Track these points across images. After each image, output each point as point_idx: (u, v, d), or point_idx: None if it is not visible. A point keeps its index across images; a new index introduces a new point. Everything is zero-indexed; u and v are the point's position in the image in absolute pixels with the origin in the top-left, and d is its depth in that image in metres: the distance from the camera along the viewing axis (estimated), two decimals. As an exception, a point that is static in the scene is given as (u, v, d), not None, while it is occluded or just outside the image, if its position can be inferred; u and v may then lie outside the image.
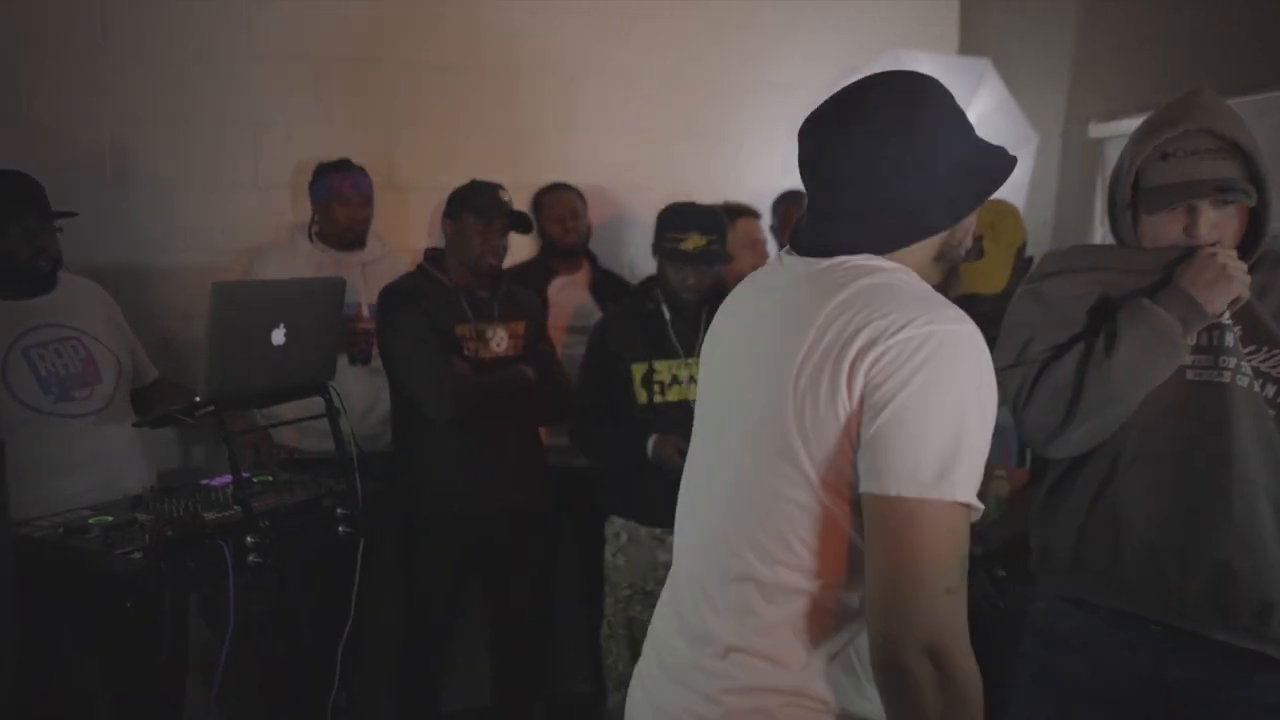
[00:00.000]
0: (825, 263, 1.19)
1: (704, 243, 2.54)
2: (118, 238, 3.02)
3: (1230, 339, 1.54)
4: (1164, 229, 1.57)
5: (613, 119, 3.52)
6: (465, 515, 2.72)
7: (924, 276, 1.20)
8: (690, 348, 2.60)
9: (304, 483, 2.36)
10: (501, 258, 2.76)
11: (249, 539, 2.05)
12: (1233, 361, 1.54)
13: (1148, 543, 1.56)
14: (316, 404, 2.29)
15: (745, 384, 1.22)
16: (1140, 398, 1.56)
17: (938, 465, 1.04)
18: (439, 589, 2.81)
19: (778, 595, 1.16)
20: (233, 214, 3.14)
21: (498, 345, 2.76)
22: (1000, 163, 1.22)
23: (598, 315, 3.13)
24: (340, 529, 2.27)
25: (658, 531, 2.59)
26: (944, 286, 2.27)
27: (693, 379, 2.59)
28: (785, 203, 3.43)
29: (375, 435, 2.90)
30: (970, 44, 3.89)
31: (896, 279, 1.15)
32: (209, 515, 2.07)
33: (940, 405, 1.06)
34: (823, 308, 1.13)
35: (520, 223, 2.79)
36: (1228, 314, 1.55)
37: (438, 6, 3.33)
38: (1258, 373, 1.53)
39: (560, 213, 3.31)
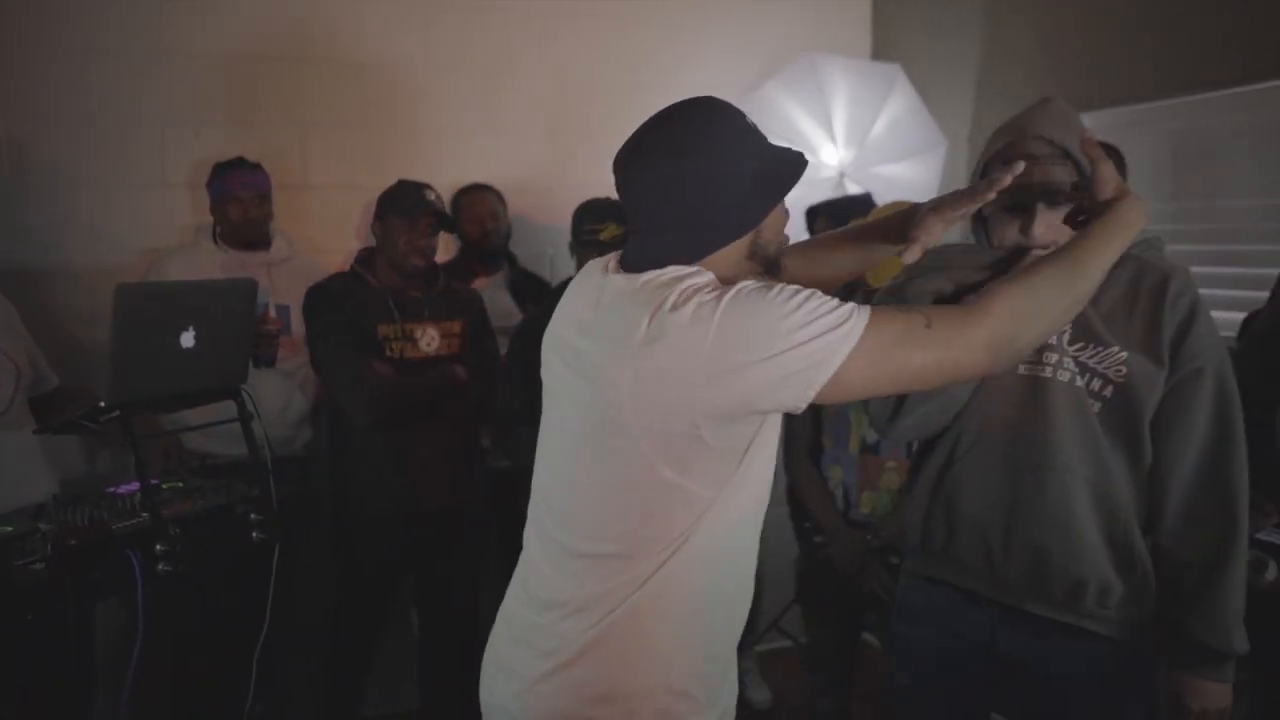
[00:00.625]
0: (640, 279, 1.34)
1: (620, 231, 2.57)
2: (15, 237, 2.91)
3: (1056, 337, 1.66)
4: (1005, 229, 1.69)
5: (530, 118, 3.52)
6: (395, 516, 2.69)
7: (740, 274, 1.35)
8: None
9: (216, 488, 2.30)
10: (429, 257, 2.74)
11: (158, 547, 1.99)
12: (1054, 358, 1.67)
13: (977, 524, 1.71)
14: (228, 408, 2.24)
15: (579, 392, 1.37)
16: (964, 392, 1.71)
17: (813, 353, 1.25)
18: (366, 591, 2.77)
19: (606, 565, 1.35)
20: (139, 214, 3.06)
21: (428, 345, 2.73)
22: (791, 167, 1.38)
23: (518, 316, 3.12)
24: (254, 535, 2.23)
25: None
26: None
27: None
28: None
29: (289, 438, 2.85)
30: (882, 48, 3.98)
31: (692, 284, 1.30)
32: (116, 524, 2.02)
33: (772, 335, 1.24)
34: (635, 333, 1.28)
35: (447, 222, 2.77)
36: None
37: (351, 4, 3.29)
38: (1084, 368, 1.66)
39: (479, 214, 3.30)
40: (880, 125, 3.42)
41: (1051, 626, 1.69)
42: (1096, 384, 1.65)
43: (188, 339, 2.07)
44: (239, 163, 2.92)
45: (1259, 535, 1.93)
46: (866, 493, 2.61)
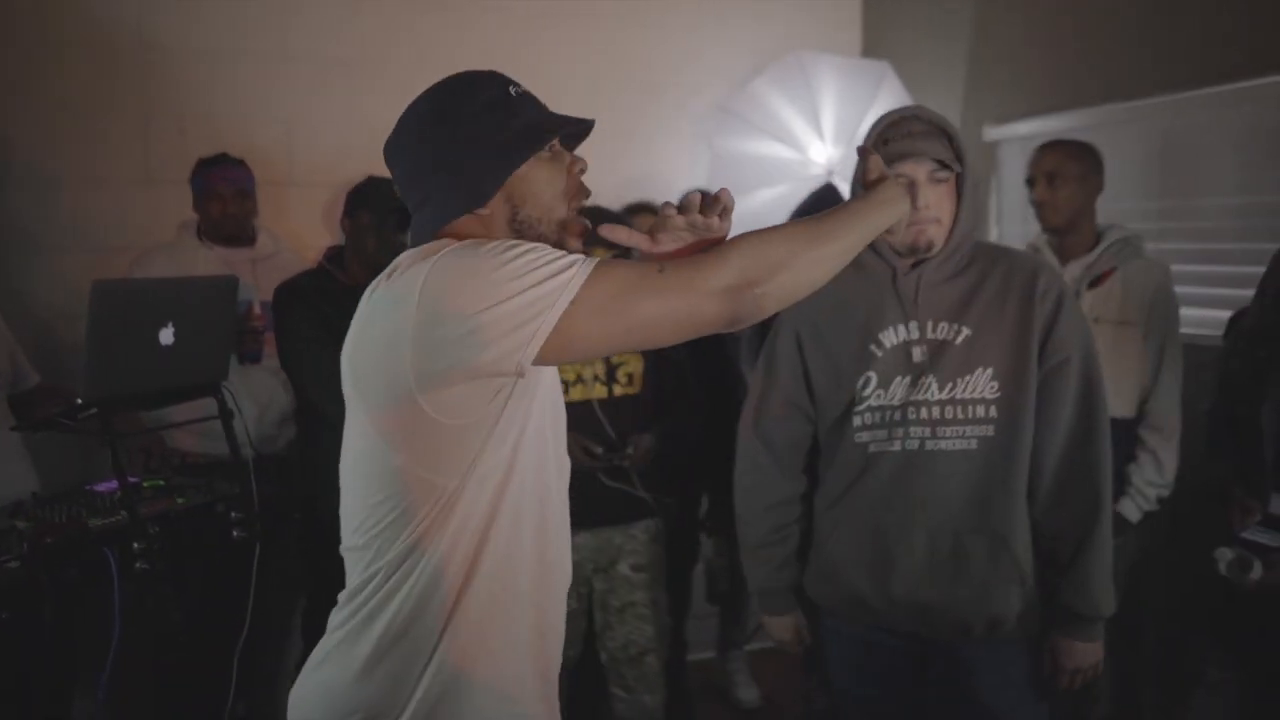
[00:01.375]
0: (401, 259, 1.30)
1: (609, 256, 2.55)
2: (-3, 234, 2.90)
3: (916, 408, 1.79)
4: None
5: (518, 116, 3.50)
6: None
7: (503, 230, 1.31)
8: None
9: (196, 487, 2.29)
10: (399, 254, 2.71)
11: (136, 545, 1.98)
12: (925, 431, 1.80)
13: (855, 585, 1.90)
14: (210, 406, 2.23)
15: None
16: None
17: (535, 302, 1.15)
18: (336, 592, 2.75)
19: (355, 557, 1.32)
20: (123, 210, 3.04)
21: None
22: (539, 132, 1.30)
23: None
24: (234, 533, 2.21)
25: (562, 530, 2.57)
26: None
27: (596, 378, 2.59)
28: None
29: (272, 436, 2.83)
30: (872, 47, 3.97)
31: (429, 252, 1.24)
32: (93, 521, 2.00)
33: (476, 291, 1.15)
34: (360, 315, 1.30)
35: (401, 217, 2.74)
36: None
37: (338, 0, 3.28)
38: (960, 406, 1.79)
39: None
40: (869, 123, 3.39)
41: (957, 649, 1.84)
42: (980, 410, 1.76)
43: (166, 336, 2.06)
44: (222, 158, 2.90)
45: (1244, 534, 1.92)
46: None
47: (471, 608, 1.24)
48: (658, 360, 2.63)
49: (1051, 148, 2.62)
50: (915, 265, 1.80)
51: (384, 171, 2.79)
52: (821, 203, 3.02)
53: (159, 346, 2.05)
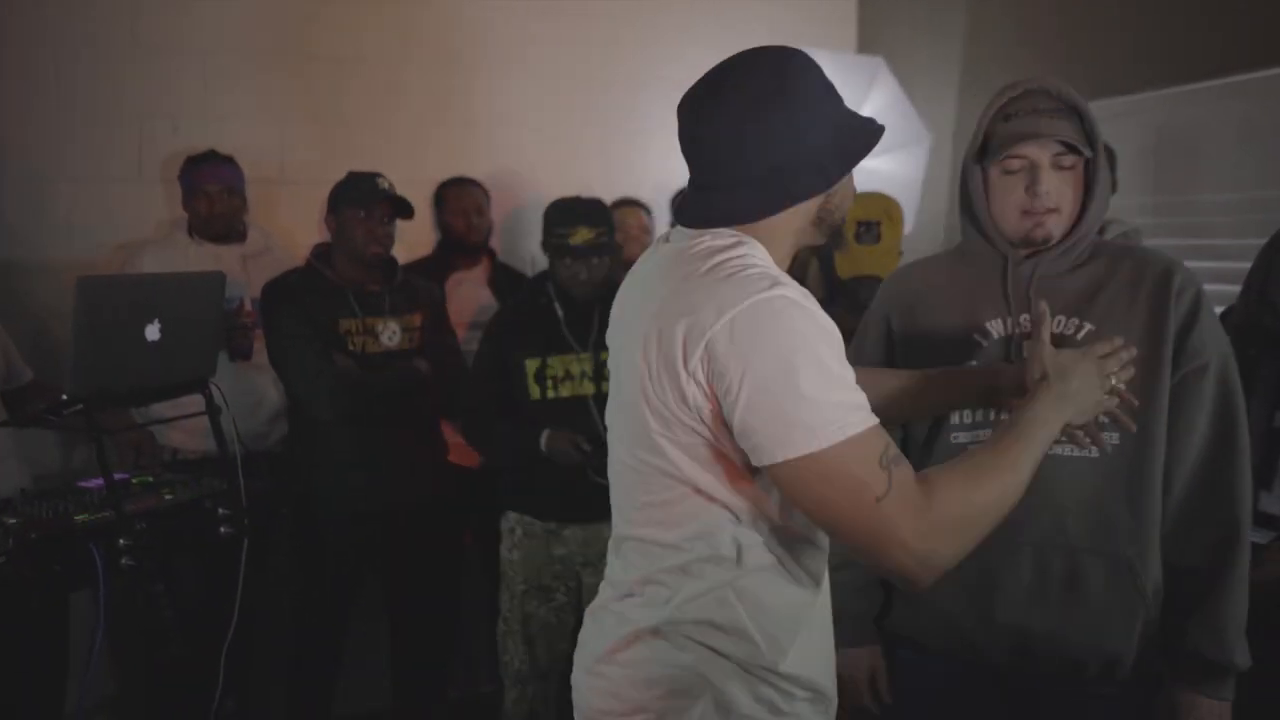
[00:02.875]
0: (686, 243, 1.24)
1: (591, 236, 2.54)
2: (-11, 232, 2.90)
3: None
4: (1007, 195, 1.58)
5: (511, 112, 3.50)
6: (361, 514, 2.68)
7: (803, 239, 1.29)
8: (583, 343, 2.60)
9: (185, 483, 2.29)
10: (388, 246, 2.72)
11: (122, 541, 1.98)
12: None
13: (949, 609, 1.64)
14: (199, 402, 2.23)
15: (623, 371, 1.28)
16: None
17: (810, 417, 1.09)
18: (330, 591, 2.76)
19: (654, 549, 1.26)
20: (116, 208, 3.04)
21: (389, 339, 2.71)
22: (869, 130, 1.27)
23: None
24: (222, 530, 2.21)
25: (552, 526, 2.58)
26: (829, 266, 2.31)
27: (585, 374, 2.59)
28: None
29: (263, 433, 2.84)
30: (867, 43, 3.97)
31: (736, 260, 1.18)
32: (80, 517, 2.00)
33: (781, 371, 1.10)
34: (660, 298, 1.20)
35: (402, 208, 2.73)
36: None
37: (330, -3, 3.28)
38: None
39: (465, 207, 3.27)
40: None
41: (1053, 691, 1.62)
42: (1104, 415, 1.52)
43: (153, 332, 2.06)
44: (210, 155, 2.91)
45: None
46: None
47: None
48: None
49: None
50: (1030, 255, 1.61)
51: (379, 168, 2.82)
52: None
53: (145, 342, 2.05)
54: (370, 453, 2.65)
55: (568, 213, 2.58)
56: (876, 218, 2.43)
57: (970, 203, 1.65)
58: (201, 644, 2.27)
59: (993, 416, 1.60)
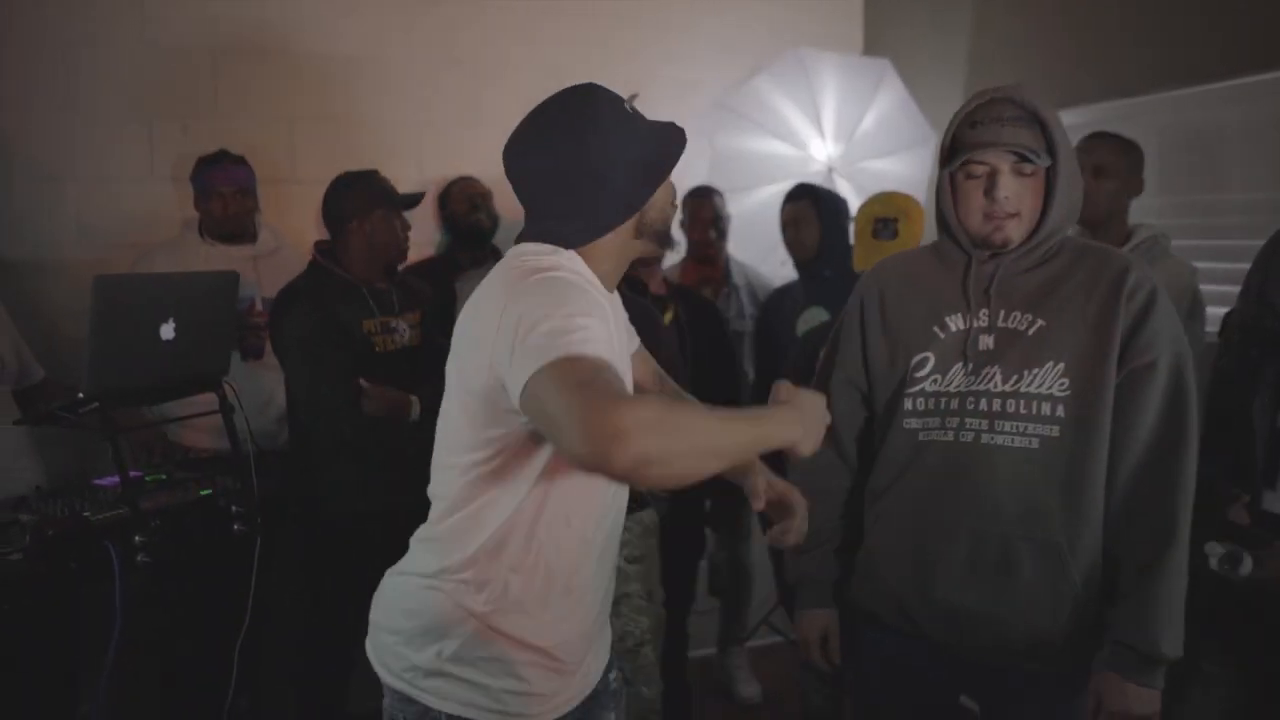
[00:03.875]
0: (513, 254, 1.41)
1: None
2: (1, 230, 2.91)
3: (981, 400, 1.66)
4: (970, 197, 1.65)
5: (517, 114, 3.48)
6: (360, 514, 2.67)
7: (630, 252, 1.44)
8: None
9: (198, 481, 2.31)
10: (405, 239, 2.72)
11: (137, 538, 2.00)
12: (982, 424, 1.66)
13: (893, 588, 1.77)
14: (211, 401, 2.24)
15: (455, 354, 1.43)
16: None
17: (545, 343, 1.19)
18: (343, 589, 2.76)
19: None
20: (127, 208, 3.06)
21: (401, 337, 2.72)
22: (670, 146, 1.42)
23: None
24: (235, 528, 2.23)
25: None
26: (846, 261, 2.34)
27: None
28: (693, 199, 3.46)
29: (273, 433, 2.84)
30: (873, 45, 3.98)
31: (533, 262, 1.35)
32: (95, 515, 2.02)
33: (520, 322, 1.23)
34: (491, 302, 1.33)
35: (413, 199, 2.72)
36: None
37: (340, -1, 3.30)
38: (1027, 400, 1.65)
39: (469, 192, 3.28)
40: (869, 120, 3.41)
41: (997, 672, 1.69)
42: (1045, 407, 1.61)
43: (167, 331, 2.08)
44: (222, 156, 2.92)
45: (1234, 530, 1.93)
46: None
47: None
48: (652, 353, 2.63)
49: (1102, 140, 2.51)
50: (993, 256, 1.68)
51: (387, 168, 2.82)
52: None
53: (160, 341, 2.07)
54: (369, 453, 2.64)
55: None
56: (894, 215, 2.46)
57: (939, 205, 1.72)
58: (212, 642, 2.29)
59: (942, 405, 1.68)
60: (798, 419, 1.30)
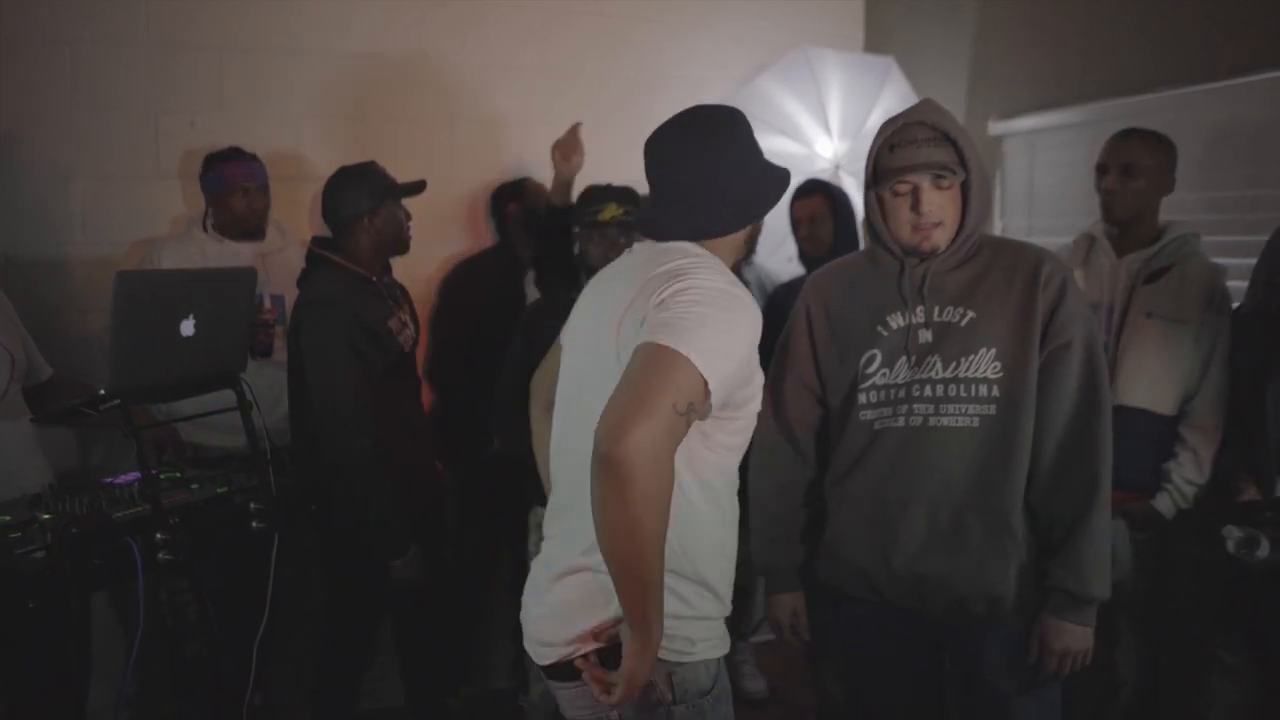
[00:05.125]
0: (660, 246, 1.61)
1: (620, 212, 2.60)
2: (7, 228, 2.89)
3: (920, 387, 1.86)
4: (898, 212, 1.85)
5: (525, 112, 3.51)
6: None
7: (737, 252, 1.69)
8: None
9: (214, 478, 2.30)
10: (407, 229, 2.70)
11: (159, 536, 1.99)
12: (928, 409, 1.86)
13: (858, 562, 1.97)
14: (221, 398, 2.23)
15: (582, 362, 1.64)
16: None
17: (684, 334, 1.40)
18: (358, 586, 2.75)
19: None
20: (133, 204, 3.04)
21: (411, 333, 2.72)
22: (783, 178, 1.68)
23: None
24: (254, 524, 2.22)
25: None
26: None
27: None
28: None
29: (284, 430, 2.83)
30: (875, 42, 4.00)
31: (699, 261, 1.54)
32: (116, 512, 2.01)
33: (691, 311, 1.43)
34: (647, 273, 1.54)
35: (415, 188, 2.68)
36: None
37: (347, -6, 3.29)
38: (962, 384, 1.84)
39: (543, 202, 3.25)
40: (875, 118, 3.43)
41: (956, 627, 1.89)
42: (982, 389, 1.80)
43: (187, 328, 2.07)
44: (237, 153, 2.90)
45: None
46: None
47: None
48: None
49: (1130, 137, 2.50)
50: (922, 260, 1.87)
51: (394, 166, 2.80)
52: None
53: (180, 338, 2.06)
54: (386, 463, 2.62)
55: (600, 192, 2.70)
56: None
57: (869, 220, 1.92)
58: (227, 640, 2.28)
59: (892, 395, 1.87)
60: (652, 648, 1.44)
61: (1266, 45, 2.58)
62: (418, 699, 2.96)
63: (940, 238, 1.84)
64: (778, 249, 3.46)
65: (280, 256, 2.99)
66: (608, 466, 1.33)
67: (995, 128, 3.46)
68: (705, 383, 1.39)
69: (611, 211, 2.61)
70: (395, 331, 2.62)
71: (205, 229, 2.95)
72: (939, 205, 1.82)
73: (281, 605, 2.56)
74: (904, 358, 1.86)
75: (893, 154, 1.82)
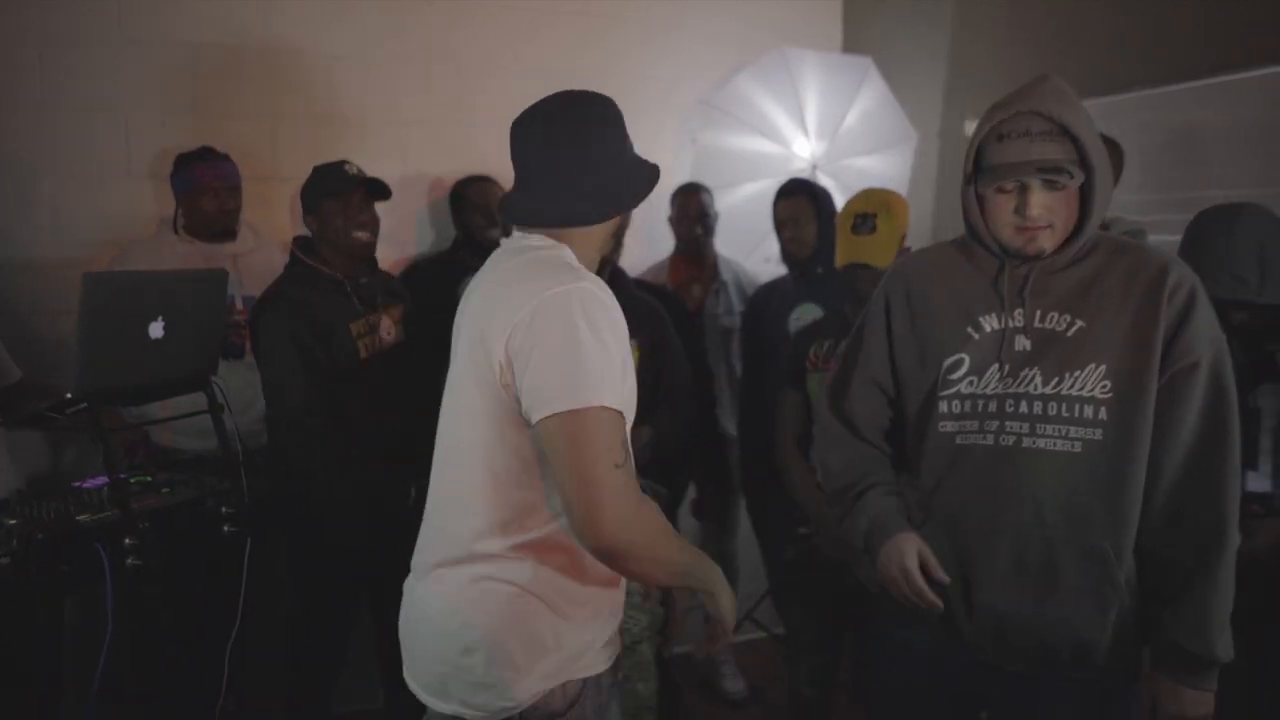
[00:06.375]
0: (519, 247, 1.54)
1: None
2: (-27, 229, 2.85)
3: (1021, 402, 1.64)
4: (999, 210, 1.62)
5: (503, 112, 3.43)
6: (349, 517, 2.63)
7: (603, 245, 1.61)
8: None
9: (185, 482, 2.27)
10: (374, 231, 2.64)
11: (127, 541, 1.96)
12: (1022, 426, 1.65)
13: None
14: (195, 401, 2.21)
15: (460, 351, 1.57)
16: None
17: (576, 387, 1.36)
18: (331, 589, 2.73)
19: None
20: (103, 205, 3.00)
21: (387, 334, 2.69)
22: (652, 173, 1.59)
23: None
24: (226, 528, 2.20)
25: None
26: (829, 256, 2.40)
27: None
28: (681, 195, 3.46)
29: (255, 432, 2.80)
30: (853, 43, 4.00)
31: (546, 256, 1.50)
32: (83, 517, 1.98)
33: (565, 356, 1.37)
34: (504, 297, 1.45)
35: (377, 190, 2.65)
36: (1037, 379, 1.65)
37: (322, -7, 3.26)
38: (1068, 404, 1.62)
39: (485, 203, 3.20)
40: (851, 118, 3.43)
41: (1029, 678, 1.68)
42: (1088, 410, 1.59)
43: (156, 330, 2.04)
44: (208, 153, 2.87)
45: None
46: None
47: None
48: (657, 350, 2.62)
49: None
50: (1026, 261, 1.65)
51: (370, 165, 2.78)
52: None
53: (149, 340, 2.03)
54: (352, 457, 2.60)
55: None
56: (873, 210, 2.46)
57: (966, 217, 1.69)
58: (201, 642, 2.25)
59: (979, 408, 1.66)
60: (723, 581, 1.54)
61: (1243, 45, 2.59)
62: (396, 701, 2.93)
63: (1048, 241, 1.60)
64: (755, 249, 3.45)
65: (253, 258, 2.96)
66: (606, 558, 1.40)
67: (972, 127, 3.46)
68: (619, 413, 1.40)
69: None
70: (359, 335, 2.59)
71: (176, 230, 2.91)
72: (1049, 208, 1.58)
73: (255, 609, 2.54)
74: (996, 366, 1.64)
75: (1000, 146, 1.57)
